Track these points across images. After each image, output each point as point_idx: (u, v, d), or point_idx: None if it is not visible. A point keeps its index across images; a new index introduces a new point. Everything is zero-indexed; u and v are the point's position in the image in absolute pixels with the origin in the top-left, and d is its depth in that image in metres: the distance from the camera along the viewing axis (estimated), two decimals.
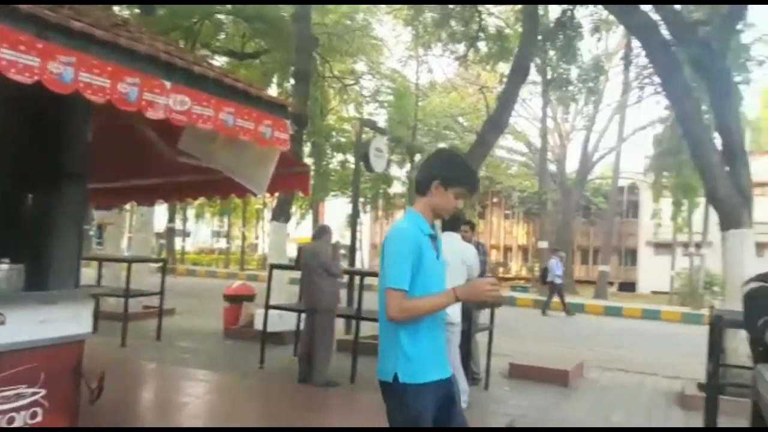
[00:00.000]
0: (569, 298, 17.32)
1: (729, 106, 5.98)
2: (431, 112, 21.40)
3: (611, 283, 25.87)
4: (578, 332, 11.80)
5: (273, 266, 6.95)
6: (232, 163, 3.70)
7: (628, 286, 28.97)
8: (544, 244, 21.98)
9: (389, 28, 17.74)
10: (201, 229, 43.33)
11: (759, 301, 1.59)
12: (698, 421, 3.43)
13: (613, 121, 24.25)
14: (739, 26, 7.34)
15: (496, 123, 7.92)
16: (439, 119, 21.50)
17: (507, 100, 8.10)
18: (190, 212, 32.53)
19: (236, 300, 8.45)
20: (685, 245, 21.04)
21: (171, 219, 27.27)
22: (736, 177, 5.62)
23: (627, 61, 20.26)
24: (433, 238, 2.31)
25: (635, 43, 17.45)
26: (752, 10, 8.96)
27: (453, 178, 2.29)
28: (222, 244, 37.84)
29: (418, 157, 21.32)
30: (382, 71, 18.65)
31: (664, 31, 6.40)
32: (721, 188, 5.55)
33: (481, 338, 5.95)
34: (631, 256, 31.72)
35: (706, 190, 6.06)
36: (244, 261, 28.80)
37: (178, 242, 30.37)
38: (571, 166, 25.87)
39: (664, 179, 20.19)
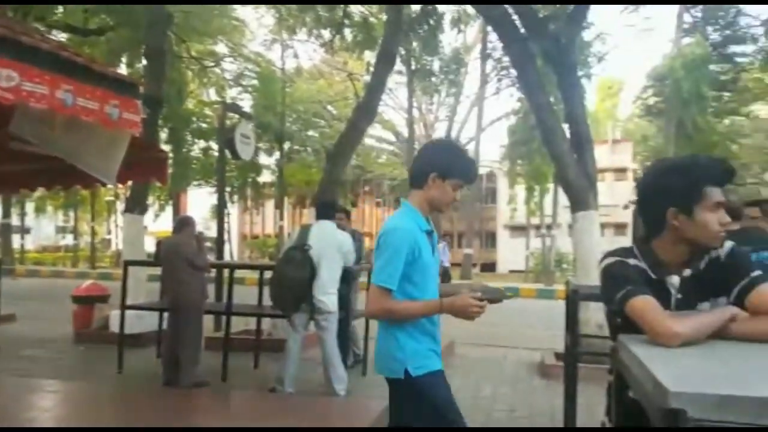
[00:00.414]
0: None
1: (576, 98, 6.47)
2: (299, 98, 21.05)
3: (474, 265, 27.43)
4: None
5: (128, 263, 6.36)
6: (75, 149, 3.26)
7: (489, 267, 30.98)
8: None
9: (251, 9, 17.09)
10: (43, 225, 39.19)
11: (616, 276, 1.66)
12: (558, 389, 3.67)
13: (472, 112, 25.59)
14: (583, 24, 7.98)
15: (366, 110, 7.93)
16: (308, 106, 21.22)
17: (375, 87, 8.13)
18: (30, 206, 29.19)
19: (87, 301, 7.63)
20: (538, 227, 22.86)
21: (6, 214, 24.26)
22: (583, 164, 6.10)
23: (484, 54, 21.56)
24: (430, 233, 2.24)
25: (491, 37, 18.70)
26: (591, 9, 9.77)
27: (451, 169, 2.20)
28: (69, 240, 34.45)
29: (287, 145, 20.90)
30: (245, 54, 17.92)
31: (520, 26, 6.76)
32: (571, 174, 6.00)
33: (359, 324, 5.95)
34: (491, 239, 33.94)
35: (557, 176, 6.54)
36: (95, 258, 26.46)
37: (16, 240, 27.13)
38: None
39: (518, 167, 21.74)
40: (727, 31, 19.46)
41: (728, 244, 1.70)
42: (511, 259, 29.20)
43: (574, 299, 3.44)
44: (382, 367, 2.21)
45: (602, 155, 27.55)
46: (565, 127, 6.52)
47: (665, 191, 1.65)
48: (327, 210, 4.83)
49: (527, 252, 23.46)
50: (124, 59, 12.33)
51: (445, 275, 15.91)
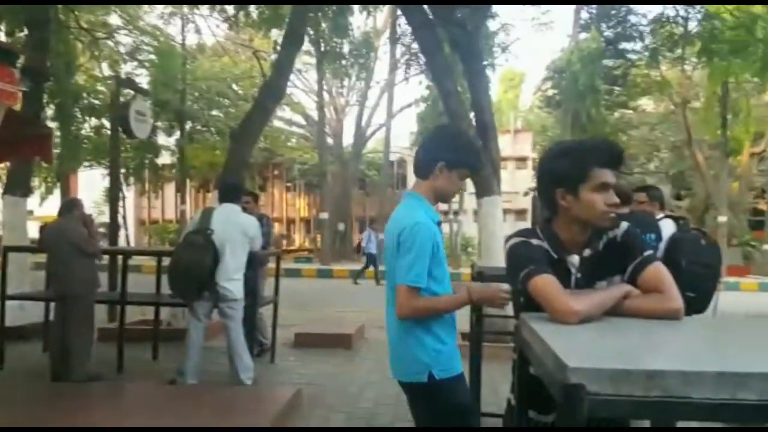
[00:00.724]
0: (351, 266, 18.14)
1: (482, 86, 6.63)
2: (202, 76, 20.08)
3: None
4: (364, 297, 12.23)
5: (8, 249, 5.82)
6: None
7: None
8: (325, 216, 22.53)
9: None
10: None
11: (519, 256, 1.70)
12: (466, 368, 3.78)
13: (383, 98, 25.72)
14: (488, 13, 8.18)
15: (273, 89, 7.69)
16: (211, 84, 20.31)
17: (283, 67, 7.90)
18: None
19: None
20: (446, 213, 23.43)
21: None
22: (488, 151, 6.28)
23: (393, 38, 21.67)
24: (439, 224, 2.20)
25: (401, 21, 18.83)
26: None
27: (459, 158, 2.13)
28: None
29: (189, 125, 19.96)
30: (141, 27, 16.80)
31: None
32: None
33: (266, 311, 5.81)
34: None
35: None
36: None
37: None
38: (348, 139, 26.87)
39: None
40: (618, 28, 20.80)
41: (624, 225, 1.76)
42: None
43: (478, 281, 3.55)
44: (403, 372, 2.14)
45: (504, 144, 28.68)
46: (472, 115, 6.67)
47: (554, 173, 1.70)
48: (231, 193, 4.63)
49: None
50: (2, 27, 11.17)
51: (371, 263, 15.91)
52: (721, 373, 1.02)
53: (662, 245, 3.20)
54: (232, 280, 4.36)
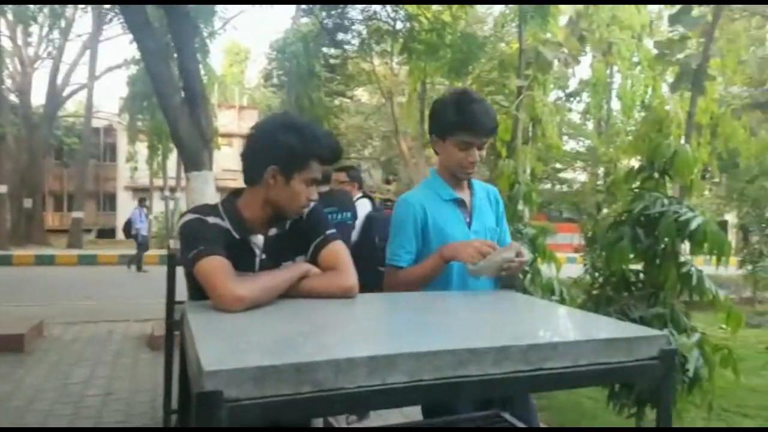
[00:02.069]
0: (40, 250, 15.54)
1: (190, 49, 6.07)
2: None
3: (89, 230, 24.60)
4: (46, 287, 10.71)
5: None
6: None
7: (107, 233, 28.21)
8: (3, 189, 18.81)
9: None
10: None
11: (191, 234, 1.52)
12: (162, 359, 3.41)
13: (85, 55, 22.51)
14: None
15: None
16: None
17: None
18: None
19: None
20: (161, 189, 21.77)
21: None
22: (196, 120, 5.81)
23: None
24: (460, 202, 1.95)
25: None
26: None
27: (445, 125, 1.88)
28: None
29: None
30: None
31: None
32: (184, 130, 5.66)
33: None
34: (110, 201, 30.84)
35: (170, 132, 6.07)
36: None
37: None
38: (38, 99, 22.87)
39: (139, 122, 20.16)
40: (337, 19, 21.80)
41: (310, 205, 1.68)
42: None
43: (171, 264, 3.19)
44: None
45: (230, 120, 27.97)
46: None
47: (274, 148, 1.55)
48: None
49: (151, 216, 22.20)
50: None
51: (142, 245, 13.54)
52: (373, 358, 0.93)
53: (358, 223, 3.29)
54: None
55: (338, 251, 1.64)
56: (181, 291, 1.89)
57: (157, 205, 22.43)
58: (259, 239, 1.61)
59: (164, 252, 17.57)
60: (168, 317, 3.01)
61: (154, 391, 4.17)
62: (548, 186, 22.30)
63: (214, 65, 21.13)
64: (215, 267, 1.41)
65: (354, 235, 3.27)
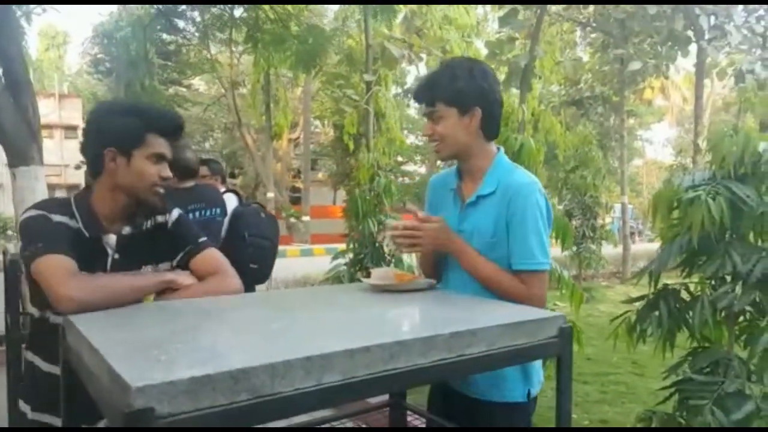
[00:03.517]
0: None
1: (11, 31, 5.36)
2: None
3: None
4: None
5: None
6: None
7: None
8: None
9: None
10: None
11: (30, 232, 1.43)
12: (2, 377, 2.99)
13: None
14: None
15: None
16: None
17: None
18: None
19: None
20: None
21: None
22: (22, 110, 5.15)
23: None
24: (458, 193, 1.71)
25: None
26: None
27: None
28: None
29: None
30: None
31: None
32: (8, 120, 4.99)
33: None
34: None
35: None
36: None
37: None
38: None
39: None
40: (172, 4, 20.45)
41: (176, 212, 1.65)
42: None
43: (13, 270, 2.81)
44: (490, 388, 1.59)
45: (49, 110, 24.98)
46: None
47: (107, 130, 1.50)
48: None
49: None
50: None
51: None
52: (308, 358, 0.93)
53: (226, 220, 3.17)
54: None
55: (217, 256, 1.62)
56: None
57: None
58: (111, 238, 1.53)
59: None
60: (12, 330, 2.65)
61: None
62: (392, 178, 23.20)
63: (28, 50, 18.73)
64: (52, 265, 1.33)
65: (222, 232, 3.14)
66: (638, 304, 2.38)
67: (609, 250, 10.99)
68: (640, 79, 12.36)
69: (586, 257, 9.54)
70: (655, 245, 2.70)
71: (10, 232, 18.35)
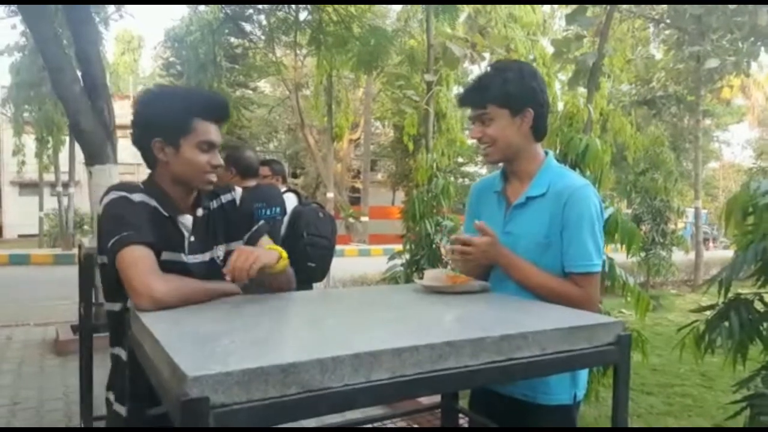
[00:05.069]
0: None
1: (89, 35, 5.67)
2: None
3: None
4: None
5: None
6: None
7: None
8: None
9: None
10: None
11: (115, 216, 1.40)
12: (75, 365, 3.19)
13: None
14: None
15: None
16: None
17: None
18: None
19: None
20: (53, 185, 20.11)
21: None
22: (98, 111, 5.44)
23: None
24: (503, 196, 1.68)
25: None
26: None
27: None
28: None
29: None
30: None
31: None
32: (85, 121, 5.29)
33: None
34: None
35: (70, 123, 5.67)
36: None
37: None
38: None
39: (26, 113, 18.50)
40: (240, 8, 21.07)
41: (239, 190, 1.64)
42: (21, 222, 24.89)
43: (88, 264, 2.99)
44: (538, 390, 1.57)
45: (124, 111, 26.27)
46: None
47: (153, 120, 1.47)
48: None
49: (41, 213, 20.46)
50: None
51: None
52: (357, 355, 0.94)
53: (286, 218, 3.24)
54: None
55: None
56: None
57: (48, 202, 20.71)
58: (187, 219, 1.51)
59: (58, 251, 16.36)
60: (85, 321, 2.82)
61: (67, 398, 3.90)
62: (452, 179, 23.03)
63: (105, 54, 19.78)
64: (136, 258, 1.31)
65: (281, 231, 3.22)
66: (708, 314, 2.27)
67: (680, 257, 10.49)
68: (718, 77, 11.72)
69: (656, 264, 9.13)
70: (730, 252, 2.56)
71: (86, 227, 19.44)
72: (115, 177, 5.61)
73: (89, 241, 5.46)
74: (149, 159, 1.51)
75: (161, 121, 1.45)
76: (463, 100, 1.67)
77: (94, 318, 2.93)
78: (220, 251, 1.55)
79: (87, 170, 5.50)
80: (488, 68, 1.68)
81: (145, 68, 35.15)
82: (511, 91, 1.57)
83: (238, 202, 1.61)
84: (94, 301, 3.17)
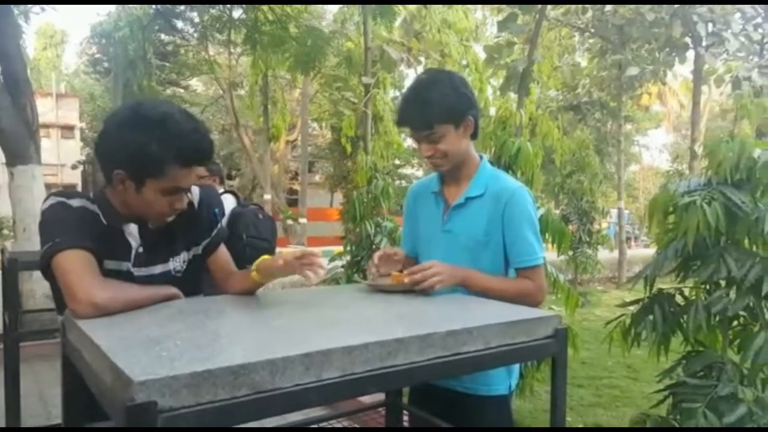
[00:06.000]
0: None
1: (9, 30, 5.38)
2: None
3: None
4: None
5: None
6: None
7: None
8: None
9: None
10: None
11: (52, 222, 1.33)
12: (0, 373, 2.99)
13: None
14: None
15: None
16: None
17: None
18: None
19: None
20: None
21: None
22: (20, 109, 5.16)
23: None
24: (441, 196, 1.75)
25: None
26: None
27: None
28: None
29: None
30: None
31: None
32: (6, 120, 5.00)
33: None
34: None
35: None
36: None
37: None
38: None
39: None
40: (171, 5, 20.42)
41: (196, 190, 1.55)
42: None
43: (12, 269, 2.83)
44: (479, 381, 1.63)
45: (46, 109, 24.93)
46: None
47: (120, 149, 1.31)
48: None
49: None
50: None
51: None
52: (308, 355, 0.94)
53: (224, 220, 3.18)
54: None
55: (227, 254, 1.60)
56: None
57: None
58: (133, 229, 1.42)
59: None
60: (10, 328, 2.66)
61: None
62: (390, 181, 23.23)
63: (25, 49, 18.68)
64: (73, 262, 1.23)
65: None
66: (633, 308, 2.40)
67: (605, 255, 11.02)
68: (638, 84, 12.43)
69: (583, 262, 9.58)
70: (651, 250, 2.72)
71: (6, 231, 18.25)
72: (39, 178, 5.33)
73: (12, 246, 5.14)
74: (106, 176, 1.37)
75: (131, 155, 1.28)
76: (405, 122, 1.69)
77: (21, 326, 2.77)
78: (177, 262, 1.48)
79: (8, 171, 5.19)
80: (417, 84, 1.70)
81: (69, 64, 33.42)
82: (451, 105, 1.63)
83: (196, 204, 1.52)
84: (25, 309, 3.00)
